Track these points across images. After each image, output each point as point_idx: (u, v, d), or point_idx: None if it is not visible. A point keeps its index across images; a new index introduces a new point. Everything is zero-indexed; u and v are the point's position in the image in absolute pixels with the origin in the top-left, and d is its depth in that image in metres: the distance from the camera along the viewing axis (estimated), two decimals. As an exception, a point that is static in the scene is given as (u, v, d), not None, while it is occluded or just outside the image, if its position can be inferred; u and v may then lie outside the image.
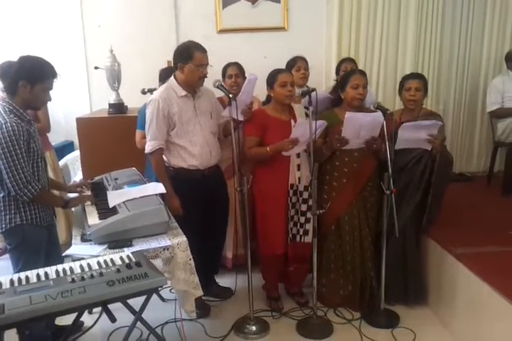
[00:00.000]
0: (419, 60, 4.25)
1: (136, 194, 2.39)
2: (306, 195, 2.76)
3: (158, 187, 2.47)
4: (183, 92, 2.64)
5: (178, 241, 2.20)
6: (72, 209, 2.74)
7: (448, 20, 4.22)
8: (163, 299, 3.05)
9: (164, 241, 2.17)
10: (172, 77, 2.69)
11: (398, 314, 2.82)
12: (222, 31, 4.22)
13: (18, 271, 2.03)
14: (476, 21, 4.25)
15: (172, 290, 3.05)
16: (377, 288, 2.83)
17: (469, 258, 2.55)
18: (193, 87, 2.67)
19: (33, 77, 2.14)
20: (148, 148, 2.65)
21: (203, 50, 2.59)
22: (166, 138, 2.66)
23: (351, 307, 2.91)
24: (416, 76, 2.91)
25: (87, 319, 2.79)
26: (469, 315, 2.49)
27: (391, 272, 2.78)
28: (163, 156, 2.75)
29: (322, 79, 4.25)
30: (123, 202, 2.31)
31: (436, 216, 2.90)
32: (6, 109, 2.14)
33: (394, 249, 2.81)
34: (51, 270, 1.88)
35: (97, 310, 2.83)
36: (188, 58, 2.56)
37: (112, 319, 1.80)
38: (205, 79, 2.65)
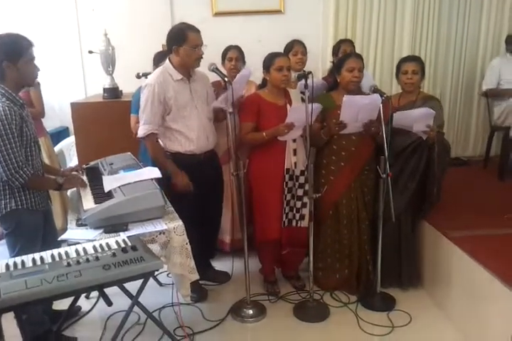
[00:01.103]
0: (417, 43, 4.22)
1: (131, 178, 2.38)
2: (302, 179, 2.76)
3: (154, 172, 2.46)
4: (179, 76, 2.61)
5: (174, 225, 2.19)
6: (68, 194, 2.75)
7: (446, 0, 4.17)
8: (160, 283, 3.06)
9: (160, 225, 2.16)
10: (167, 61, 2.65)
11: (394, 297, 2.84)
12: (217, 14, 4.16)
13: (15, 256, 2.02)
14: (474, 1, 4.20)
15: (169, 275, 3.07)
16: (373, 271, 2.85)
17: (465, 241, 2.56)
18: (188, 68, 2.64)
19: (11, 55, 2.09)
20: (141, 132, 2.62)
21: (197, 30, 2.54)
22: (161, 123, 2.64)
23: (348, 291, 2.93)
24: (413, 58, 2.89)
25: (84, 304, 2.83)
26: (465, 298, 2.51)
27: (386, 256, 2.80)
28: (160, 141, 2.73)
29: (318, 62, 4.21)
30: (118, 187, 2.30)
31: (436, 203, 2.89)
32: (-2, 94, 2.11)
33: (390, 233, 2.82)
34: (47, 254, 1.88)
35: (94, 294, 2.87)
36: (182, 40, 2.51)
37: (108, 303, 1.81)
38: (201, 62, 2.61)
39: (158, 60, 3.06)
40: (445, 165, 2.82)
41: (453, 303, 2.64)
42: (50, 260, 1.83)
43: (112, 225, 2.14)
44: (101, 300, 2.01)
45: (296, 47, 3.24)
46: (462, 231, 2.68)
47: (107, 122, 3.35)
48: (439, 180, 2.81)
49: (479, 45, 4.31)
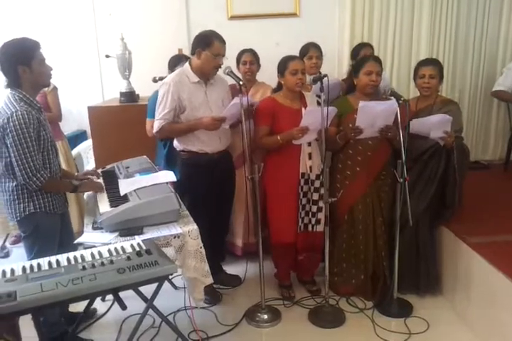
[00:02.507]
0: (434, 46, 4.15)
1: (147, 182, 2.39)
2: (317, 183, 2.74)
3: (169, 176, 2.47)
4: (196, 79, 2.67)
5: (189, 229, 2.20)
6: (85, 197, 2.77)
7: (464, 2, 4.10)
8: (175, 287, 3.07)
9: (175, 229, 2.17)
10: (187, 63, 2.72)
11: (411, 303, 2.80)
12: (233, 18, 4.16)
13: (32, 259, 2.05)
14: (494, 3, 4.12)
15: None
16: (389, 277, 2.81)
17: (484, 247, 2.51)
18: (206, 75, 2.69)
19: (24, 59, 2.12)
20: (155, 126, 2.69)
21: (223, 41, 2.62)
22: (173, 120, 2.70)
23: (364, 297, 2.89)
24: (430, 62, 2.83)
25: (100, 306, 2.84)
26: (484, 305, 2.45)
27: (404, 261, 2.75)
28: (175, 141, 2.80)
29: (335, 65, 4.18)
30: (134, 190, 2.32)
31: (457, 209, 2.83)
32: (16, 97, 2.14)
33: (407, 239, 2.78)
34: (62, 257, 1.89)
35: (110, 297, 2.88)
36: (206, 45, 2.58)
37: (123, 306, 1.81)
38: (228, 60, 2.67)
39: (174, 63, 3.09)
40: (464, 170, 2.76)
41: (472, 311, 2.58)
42: (65, 263, 1.84)
43: (127, 229, 2.16)
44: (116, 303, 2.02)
45: (311, 52, 3.22)
46: (482, 236, 2.63)
47: (123, 126, 3.38)
48: (459, 185, 2.75)
49: (499, 48, 4.22)
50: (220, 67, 2.65)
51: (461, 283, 2.68)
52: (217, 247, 3.01)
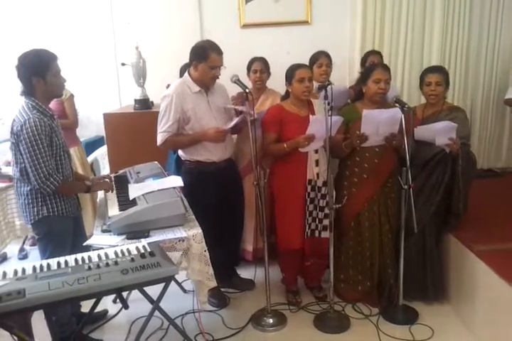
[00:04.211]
0: (446, 53, 4.15)
1: (155, 187, 2.46)
2: (324, 190, 2.76)
3: (177, 181, 2.54)
4: (197, 88, 2.71)
5: (193, 232, 2.26)
6: (97, 200, 2.87)
7: (476, 10, 4.09)
8: (184, 290, 3.13)
9: (180, 233, 2.23)
10: (186, 73, 2.76)
11: (417, 310, 2.80)
12: (245, 26, 4.23)
13: (45, 260, 2.13)
14: (507, 10, 4.10)
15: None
16: (395, 284, 2.81)
17: (490, 255, 2.50)
18: (205, 85, 2.73)
19: (39, 70, 2.21)
20: (159, 138, 2.73)
21: (219, 52, 2.64)
22: (177, 131, 2.73)
23: (369, 303, 2.90)
24: (436, 69, 2.84)
25: (111, 308, 2.92)
26: (490, 314, 2.44)
27: (410, 269, 2.76)
28: (180, 151, 2.84)
29: (346, 73, 4.21)
30: (142, 195, 2.39)
31: (463, 217, 2.82)
32: (30, 106, 2.24)
33: (413, 246, 2.78)
34: (71, 258, 1.97)
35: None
36: (203, 58, 2.61)
37: (125, 306, 1.88)
38: (224, 73, 2.68)
39: (185, 71, 3.15)
40: (470, 178, 2.76)
41: (478, 319, 2.57)
42: (73, 263, 1.92)
43: (134, 232, 2.23)
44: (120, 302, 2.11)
45: (321, 59, 3.27)
46: (488, 245, 2.62)
47: (137, 132, 3.45)
48: (464, 193, 2.74)
49: (512, 56, 4.21)
50: (218, 77, 2.69)
51: (467, 291, 2.67)
52: (231, 252, 3.07)
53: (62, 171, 2.33)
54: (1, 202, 3.25)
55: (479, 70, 4.24)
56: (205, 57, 2.61)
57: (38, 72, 2.21)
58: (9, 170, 3.10)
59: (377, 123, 2.56)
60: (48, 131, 2.21)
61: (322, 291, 3.04)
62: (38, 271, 1.87)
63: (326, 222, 2.80)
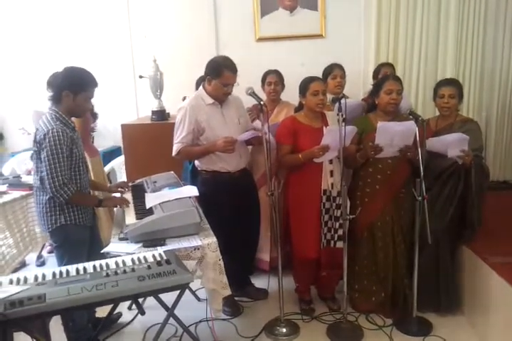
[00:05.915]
0: (461, 66, 4.16)
1: (171, 196, 2.51)
2: (339, 200, 2.78)
3: (192, 190, 2.59)
4: (211, 100, 2.78)
5: (208, 241, 2.30)
6: (115, 210, 2.93)
7: (491, 22, 4.10)
8: (199, 299, 3.15)
9: (195, 242, 2.27)
10: (201, 87, 2.84)
11: (431, 322, 2.79)
12: (260, 39, 4.31)
13: (63, 267, 2.18)
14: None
15: (206, 290, 3.15)
16: (410, 295, 2.80)
17: (505, 268, 2.48)
18: (218, 99, 2.80)
19: (75, 87, 2.31)
20: (174, 149, 2.80)
21: (234, 70, 2.70)
22: (192, 142, 2.80)
23: (383, 314, 2.90)
24: (449, 82, 2.87)
25: (126, 315, 2.96)
26: (504, 327, 2.42)
27: (424, 280, 2.75)
28: (196, 161, 2.90)
29: (360, 85, 4.25)
30: (159, 204, 2.44)
31: (478, 229, 2.81)
32: (53, 117, 2.32)
33: (428, 257, 2.78)
34: (89, 265, 2.03)
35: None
36: (216, 75, 2.69)
37: (141, 312, 1.92)
38: (239, 86, 2.74)
39: (201, 84, 3.22)
40: (483, 190, 2.75)
41: (492, 332, 2.55)
42: (91, 270, 1.98)
43: (150, 240, 2.27)
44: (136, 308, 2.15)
45: (335, 71, 3.32)
46: (503, 257, 2.60)
47: (154, 142, 3.52)
48: (478, 205, 2.74)
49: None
50: (230, 94, 2.76)
51: (481, 303, 2.65)
52: (245, 261, 3.10)
53: (80, 182, 2.40)
54: (22, 209, 3.33)
55: (494, 82, 4.23)
56: (218, 75, 2.68)
57: (73, 88, 2.30)
58: (29, 179, 3.20)
59: (391, 135, 2.58)
60: (69, 143, 2.28)
61: (336, 302, 3.03)
62: (57, 276, 1.92)
63: (340, 231, 2.81)
